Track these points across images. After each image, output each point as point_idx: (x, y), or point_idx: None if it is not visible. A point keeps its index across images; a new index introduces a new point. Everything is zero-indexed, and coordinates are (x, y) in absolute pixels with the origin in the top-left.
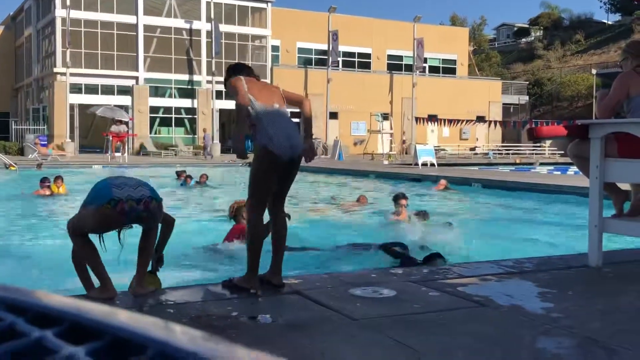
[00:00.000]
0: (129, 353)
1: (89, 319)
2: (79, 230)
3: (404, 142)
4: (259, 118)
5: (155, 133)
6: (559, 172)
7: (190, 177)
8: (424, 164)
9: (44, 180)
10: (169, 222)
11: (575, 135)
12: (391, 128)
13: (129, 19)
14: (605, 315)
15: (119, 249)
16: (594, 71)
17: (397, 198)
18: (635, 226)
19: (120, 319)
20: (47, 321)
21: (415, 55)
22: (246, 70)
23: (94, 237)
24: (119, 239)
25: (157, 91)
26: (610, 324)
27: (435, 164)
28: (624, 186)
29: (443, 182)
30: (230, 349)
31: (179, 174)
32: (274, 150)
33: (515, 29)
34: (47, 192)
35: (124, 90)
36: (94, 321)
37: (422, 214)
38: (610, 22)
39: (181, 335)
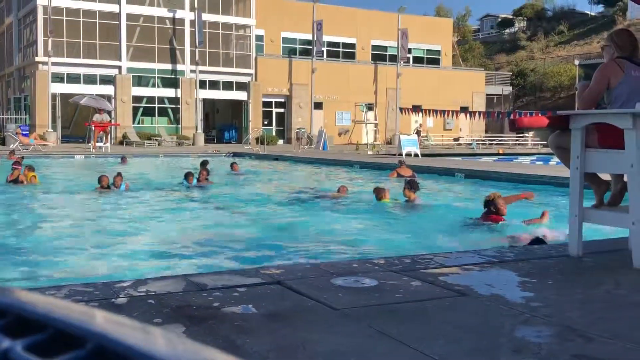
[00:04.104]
0: (70, 346)
1: (31, 312)
2: None
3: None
4: None
5: (139, 123)
6: (541, 163)
7: (192, 174)
8: (408, 154)
9: (15, 164)
10: None
11: (556, 126)
12: (375, 118)
13: (112, 7)
14: (584, 304)
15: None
16: (576, 62)
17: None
18: (615, 216)
19: (62, 312)
20: None
21: (400, 45)
22: None
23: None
24: None
25: (140, 81)
26: (589, 313)
27: (419, 154)
28: (605, 176)
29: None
30: (170, 341)
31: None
32: None
33: (499, 19)
34: (20, 178)
35: (107, 80)
36: (36, 314)
37: (413, 185)
38: (593, 14)
39: (122, 328)
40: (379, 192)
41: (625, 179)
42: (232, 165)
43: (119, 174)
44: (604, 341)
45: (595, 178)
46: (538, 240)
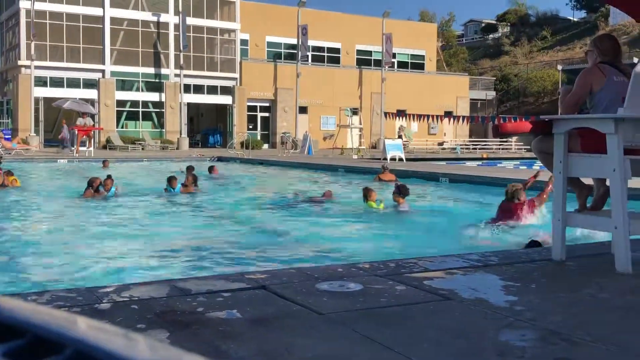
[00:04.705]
0: (49, 352)
1: (10, 318)
2: None
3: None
4: None
5: (122, 127)
6: (524, 167)
7: (175, 178)
8: (393, 159)
9: None
10: None
11: (539, 130)
12: (360, 123)
13: (95, 11)
14: (567, 308)
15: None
16: (559, 67)
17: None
18: (597, 220)
19: (41, 317)
20: None
21: (384, 50)
22: None
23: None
24: None
25: (123, 84)
26: (573, 317)
27: (404, 159)
28: (587, 181)
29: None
30: (152, 347)
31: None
32: None
33: (483, 25)
34: (5, 182)
35: (90, 84)
36: (15, 320)
37: (402, 190)
38: (575, 19)
39: (103, 334)
40: (367, 193)
41: (607, 183)
42: (211, 168)
43: (110, 177)
44: (588, 345)
45: (578, 182)
46: (534, 243)
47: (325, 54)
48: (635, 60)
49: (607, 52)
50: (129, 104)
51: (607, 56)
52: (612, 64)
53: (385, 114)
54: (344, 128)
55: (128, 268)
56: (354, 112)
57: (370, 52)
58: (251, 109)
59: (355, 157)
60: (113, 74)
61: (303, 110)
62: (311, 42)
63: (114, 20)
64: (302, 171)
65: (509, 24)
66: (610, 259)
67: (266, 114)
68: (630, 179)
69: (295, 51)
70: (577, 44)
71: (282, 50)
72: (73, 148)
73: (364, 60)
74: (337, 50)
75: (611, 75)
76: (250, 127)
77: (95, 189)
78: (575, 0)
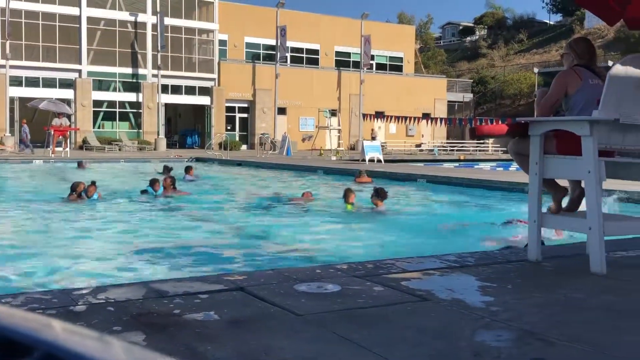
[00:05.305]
0: (18, 354)
1: None
2: None
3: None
4: None
5: (99, 127)
6: (501, 169)
7: (158, 181)
8: (371, 160)
9: None
10: None
11: (516, 132)
12: (339, 124)
13: (72, 10)
14: (543, 308)
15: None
16: (535, 70)
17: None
18: (572, 221)
19: (11, 320)
20: None
21: (363, 52)
22: None
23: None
24: None
25: (100, 85)
26: (548, 317)
27: (382, 160)
28: (563, 182)
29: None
30: (127, 350)
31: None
32: None
33: (461, 27)
34: None
35: (67, 84)
36: None
37: (380, 193)
38: (551, 22)
39: (75, 337)
40: (346, 194)
41: (582, 185)
42: (187, 169)
43: (93, 184)
44: (563, 345)
45: (553, 184)
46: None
47: (304, 55)
48: (610, 63)
49: (583, 55)
50: (105, 104)
51: (583, 59)
52: (588, 67)
53: (364, 115)
54: (322, 129)
55: (105, 271)
56: (333, 113)
57: (349, 53)
58: (229, 109)
59: (334, 158)
60: (90, 74)
61: (282, 111)
62: (290, 43)
63: (90, 20)
64: (281, 172)
65: (486, 26)
66: (585, 259)
67: (245, 115)
68: (605, 181)
69: (274, 52)
70: (553, 47)
71: (261, 51)
72: (34, 149)
73: (343, 62)
74: (315, 52)
75: (587, 78)
76: (229, 128)
77: (79, 194)
78: (552, 4)
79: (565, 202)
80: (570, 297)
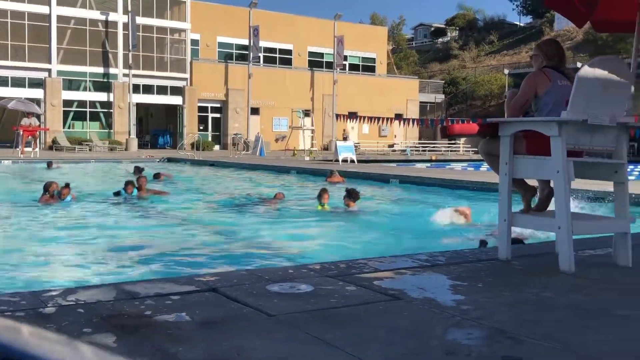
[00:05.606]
0: None
1: None
2: None
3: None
4: None
5: (69, 127)
6: (472, 169)
7: (132, 183)
8: (344, 160)
9: None
10: None
11: (486, 133)
12: (312, 124)
13: (42, 9)
14: (513, 306)
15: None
16: (506, 71)
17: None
18: (542, 221)
19: None
20: None
21: (336, 52)
22: None
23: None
24: None
25: (70, 84)
26: (518, 315)
27: (355, 160)
28: (532, 182)
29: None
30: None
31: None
32: None
33: (432, 29)
34: None
35: (36, 83)
36: None
37: (352, 194)
38: (522, 24)
39: (29, 338)
40: (321, 195)
41: (551, 184)
42: (156, 175)
43: (67, 186)
44: (533, 343)
45: (523, 184)
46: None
47: (277, 55)
48: (579, 64)
49: (552, 56)
50: (76, 104)
51: (552, 60)
52: (557, 68)
53: (337, 115)
54: (296, 129)
55: (77, 272)
56: (306, 113)
57: (322, 54)
58: (202, 109)
59: (307, 158)
60: (60, 73)
61: (255, 111)
62: (263, 43)
63: (60, 19)
64: (254, 173)
65: (457, 28)
66: (554, 258)
67: (217, 115)
68: (574, 181)
69: (247, 52)
70: (523, 48)
71: (234, 51)
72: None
73: (316, 62)
74: (289, 52)
75: (556, 79)
76: (201, 128)
77: (51, 194)
78: (522, 6)
79: (534, 202)
80: (539, 295)
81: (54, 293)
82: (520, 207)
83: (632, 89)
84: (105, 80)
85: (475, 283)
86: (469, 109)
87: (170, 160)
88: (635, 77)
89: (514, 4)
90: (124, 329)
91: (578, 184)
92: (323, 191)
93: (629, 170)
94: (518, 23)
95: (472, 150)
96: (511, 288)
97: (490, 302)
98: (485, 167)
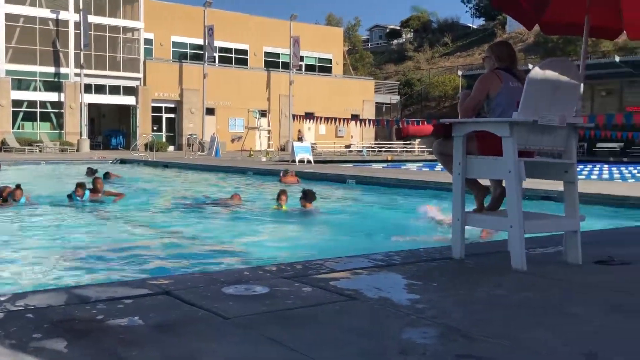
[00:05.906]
0: None
1: None
2: None
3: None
4: None
5: (19, 128)
6: (427, 169)
7: (83, 185)
8: (301, 161)
9: None
10: None
11: (440, 133)
12: (269, 125)
13: None
14: (466, 305)
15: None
16: (459, 72)
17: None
18: (494, 220)
19: None
20: None
21: (292, 53)
22: None
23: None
24: None
25: (20, 84)
26: (471, 314)
27: (312, 161)
28: (485, 182)
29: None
30: None
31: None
32: None
33: (388, 30)
34: None
35: None
36: None
37: (308, 196)
38: (475, 26)
39: None
40: (279, 196)
41: (503, 184)
42: (106, 174)
43: (19, 187)
44: (486, 341)
45: (475, 183)
46: None
47: (233, 56)
48: (530, 66)
49: (504, 58)
50: (25, 104)
51: (504, 62)
52: (509, 70)
53: (294, 116)
54: (252, 130)
55: (27, 277)
56: (262, 114)
57: (278, 54)
58: (156, 109)
59: (263, 159)
60: (8, 72)
61: (210, 111)
62: (218, 43)
63: (9, 17)
64: (210, 174)
65: (412, 30)
66: (506, 256)
67: (172, 115)
68: (525, 180)
69: (202, 52)
70: (476, 50)
71: (188, 51)
72: None
73: (272, 63)
74: (244, 52)
75: (507, 80)
76: (155, 128)
77: (4, 198)
78: (475, 9)
79: (487, 201)
80: (492, 294)
81: (2, 298)
82: (473, 207)
83: (581, 90)
84: (56, 80)
85: (430, 282)
86: (424, 109)
87: (123, 161)
88: (584, 79)
89: (467, 6)
90: (75, 334)
91: (530, 183)
92: (282, 192)
93: (578, 170)
94: (471, 25)
95: (427, 151)
96: (465, 286)
97: (445, 301)
98: (439, 167)
